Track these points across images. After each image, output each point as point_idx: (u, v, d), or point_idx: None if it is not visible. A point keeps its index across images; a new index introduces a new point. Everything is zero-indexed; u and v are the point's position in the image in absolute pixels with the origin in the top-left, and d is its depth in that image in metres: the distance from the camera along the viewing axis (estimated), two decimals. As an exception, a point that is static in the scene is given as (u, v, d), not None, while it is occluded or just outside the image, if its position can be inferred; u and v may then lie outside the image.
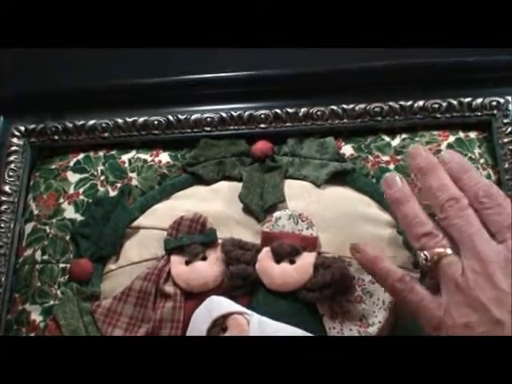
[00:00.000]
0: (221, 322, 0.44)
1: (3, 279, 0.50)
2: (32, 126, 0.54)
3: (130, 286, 0.48)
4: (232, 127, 0.52)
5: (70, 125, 0.53)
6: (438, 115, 0.49)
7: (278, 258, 0.46)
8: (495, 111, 0.49)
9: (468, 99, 0.49)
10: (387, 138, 0.50)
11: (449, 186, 0.40)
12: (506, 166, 0.47)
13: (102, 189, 0.52)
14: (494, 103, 0.49)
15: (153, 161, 0.52)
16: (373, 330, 0.44)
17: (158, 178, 0.52)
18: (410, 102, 0.50)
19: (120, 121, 0.53)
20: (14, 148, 0.53)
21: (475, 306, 0.36)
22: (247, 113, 0.51)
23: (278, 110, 0.51)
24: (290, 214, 0.48)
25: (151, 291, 0.47)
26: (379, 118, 0.50)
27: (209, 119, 0.52)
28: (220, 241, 0.48)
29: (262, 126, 0.51)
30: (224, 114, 0.52)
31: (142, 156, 0.53)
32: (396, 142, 0.50)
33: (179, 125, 0.52)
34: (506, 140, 0.48)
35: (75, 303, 0.48)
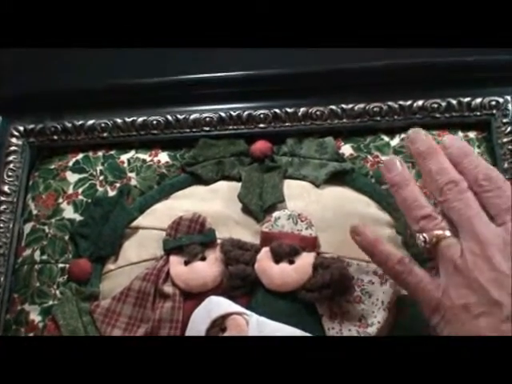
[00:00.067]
0: (220, 322, 0.44)
1: (2, 279, 0.50)
2: (31, 126, 0.54)
3: (129, 286, 0.48)
4: (231, 127, 0.52)
5: (69, 125, 0.53)
6: (438, 115, 0.49)
7: (277, 258, 0.46)
8: (494, 111, 0.49)
9: (467, 99, 0.49)
10: (386, 138, 0.50)
11: (448, 169, 0.40)
12: (506, 165, 0.47)
13: (101, 189, 0.52)
14: (494, 103, 0.49)
15: (152, 161, 0.52)
16: (372, 331, 0.43)
17: (157, 177, 0.52)
18: (409, 102, 0.50)
19: (119, 121, 0.53)
20: (13, 148, 0.53)
21: (474, 287, 0.37)
22: (246, 113, 0.51)
23: (277, 110, 0.51)
24: (289, 214, 0.48)
25: (150, 291, 0.47)
26: (378, 118, 0.50)
27: (208, 119, 0.52)
28: (219, 241, 0.48)
29: (261, 125, 0.51)
30: (223, 114, 0.52)
31: (141, 156, 0.53)
32: (395, 141, 0.50)
33: (178, 125, 0.52)
34: (505, 140, 0.48)
35: (74, 303, 0.48)
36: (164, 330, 0.45)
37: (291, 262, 0.46)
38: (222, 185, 0.51)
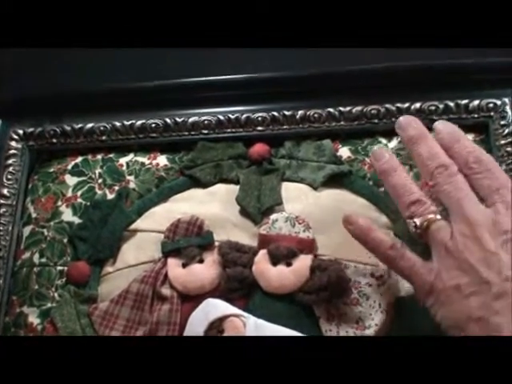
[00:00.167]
0: (217, 324, 0.44)
1: (1, 282, 0.50)
2: (30, 130, 0.54)
3: (127, 289, 0.48)
4: (229, 130, 0.52)
5: (68, 128, 0.53)
6: (435, 117, 0.49)
7: (275, 261, 0.46)
8: (492, 113, 0.49)
9: (465, 101, 0.49)
10: (384, 141, 0.50)
11: (439, 154, 0.41)
12: (504, 167, 0.47)
13: (99, 192, 0.52)
14: (491, 105, 0.49)
15: (150, 164, 0.52)
16: (369, 333, 0.43)
17: (156, 180, 0.52)
18: (406, 104, 0.50)
19: (118, 124, 0.53)
20: (12, 151, 0.54)
21: (464, 267, 0.37)
22: (244, 115, 0.51)
23: (275, 113, 0.51)
24: (286, 217, 0.48)
25: (148, 294, 0.47)
26: (376, 121, 0.50)
27: (206, 122, 0.52)
28: (217, 243, 0.48)
29: (260, 128, 0.51)
30: (221, 117, 0.52)
31: (140, 159, 0.53)
32: (393, 144, 0.50)
33: (177, 128, 0.52)
34: (502, 142, 0.48)
35: (72, 306, 0.48)
36: (162, 333, 0.46)
37: (289, 265, 0.46)
38: (220, 187, 0.51)
